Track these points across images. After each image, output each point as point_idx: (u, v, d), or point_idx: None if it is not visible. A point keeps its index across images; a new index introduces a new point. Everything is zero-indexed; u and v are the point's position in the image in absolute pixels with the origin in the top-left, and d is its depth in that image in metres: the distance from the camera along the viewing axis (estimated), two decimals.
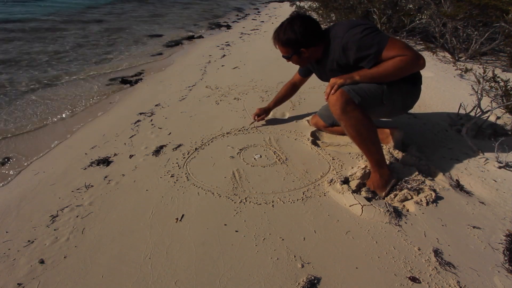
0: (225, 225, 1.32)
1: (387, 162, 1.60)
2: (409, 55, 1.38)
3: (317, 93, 2.92)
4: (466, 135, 1.91)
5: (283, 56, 1.70)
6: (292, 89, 2.27)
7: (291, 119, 2.37)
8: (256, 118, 2.27)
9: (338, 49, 1.51)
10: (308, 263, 1.14)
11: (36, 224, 1.38)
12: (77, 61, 4.67)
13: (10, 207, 1.52)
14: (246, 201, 1.47)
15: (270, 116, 2.43)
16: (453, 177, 1.62)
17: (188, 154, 1.90)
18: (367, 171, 1.55)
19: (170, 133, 2.19)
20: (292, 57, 1.65)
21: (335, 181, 1.56)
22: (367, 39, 1.42)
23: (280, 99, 2.31)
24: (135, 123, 2.41)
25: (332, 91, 1.47)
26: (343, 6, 6.55)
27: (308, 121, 2.26)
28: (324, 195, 1.50)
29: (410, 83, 1.56)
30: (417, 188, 1.48)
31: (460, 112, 2.28)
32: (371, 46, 1.42)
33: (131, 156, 1.91)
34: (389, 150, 1.76)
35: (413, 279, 1.07)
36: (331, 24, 1.62)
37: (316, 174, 1.67)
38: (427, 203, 1.41)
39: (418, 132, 2.11)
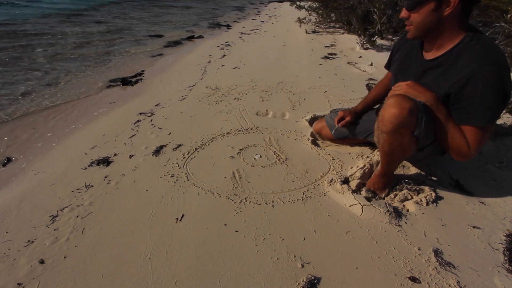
0: (225, 225, 1.32)
1: None
2: (468, 151, 1.20)
3: (317, 93, 2.92)
4: None
5: (408, 0, 1.17)
6: (385, 89, 1.72)
7: (291, 119, 2.37)
8: (340, 124, 1.78)
9: (466, 70, 1.12)
10: (308, 263, 1.14)
11: (36, 224, 1.38)
12: (77, 61, 4.67)
13: (10, 207, 1.52)
14: (246, 201, 1.47)
15: (270, 115, 2.44)
16: (453, 177, 1.62)
17: (188, 154, 1.90)
18: (366, 170, 1.55)
19: (170, 133, 2.20)
20: (426, 4, 1.13)
21: (335, 181, 1.56)
22: (499, 101, 1.11)
23: (372, 102, 1.78)
24: (135, 123, 2.41)
25: (402, 100, 1.15)
26: (343, 6, 6.55)
27: (307, 120, 2.25)
28: (324, 195, 1.50)
29: (442, 151, 1.47)
30: (417, 188, 1.48)
31: None
32: (485, 112, 1.12)
33: (131, 156, 1.91)
34: None
35: (413, 279, 1.07)
36: (471, 26, 1.20)
37: (316, 174, 1.67)
38: (427, 203, 1.41)
39: None
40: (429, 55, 1.28)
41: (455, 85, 1.16)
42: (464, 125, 1.20)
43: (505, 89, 1.10)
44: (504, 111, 2.15)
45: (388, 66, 1.67)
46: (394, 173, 1.55)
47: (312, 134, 2.07)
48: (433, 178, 1.60)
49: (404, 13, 1.22)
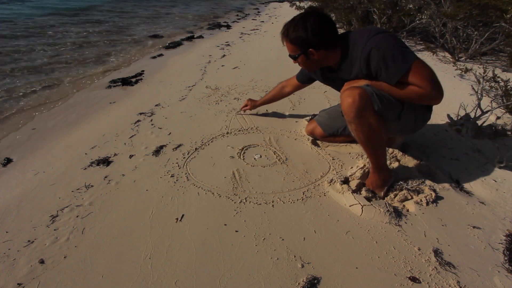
0: (225, 225, 1.32)
1: (388, 162, 1.60)
2: (426, 91, 1.27)
3: (317, 93, 2.92)
4: (466, 135, 1.91)
5: (289, 56, 1.55)
6: (280, 92, 2.17)
7: (291, 119, 2.37)
8: (243, 109, 2.40)
9: (360, 58, 1.36)
10: (308, 263, 1.14)
11: (36, 224, 1.38)
12: (77, 61, 4.67)
13: (10, 207, 1.52)
14: (246, 201, 1.47)
15: (270, 116, 2.43)
16: (453, 177, 1.62)
17: (188, 154, 1.90)
18: (366, 170, 1.55)
19: (170, 133, 2.20)
20: (299, 57, 1.49)
21: (335, 181, 1.55)
22: (395, 51, 1.27)
23: (268, 100, 2.30)
24: (135, 123, 2.41)
25: (351, 90, 1.33)
26: (343, 6, 6.56)
27: (307, 120, 2.25)
28: (324, 195, 1.50)
29: (426, 107, 1.50)
30: (417, 188, 1.48)
31: (460, 112, 2.28)
32: (396, 61, 1.28)
33: (131, 156, 1.91)
34: (388, 150, 1.76)
35: (413, 279, 1.06)
36: (347, 30, 1.48)
37: (316, 174, 1.67)
38: (427, 203, 1.41)
39: (418, 132, 2.11)
40: (338, 72, 1.54)
41: (363, 69, 1.38)
42: (399, 80, 1.31)
43: (392, 36, 1.32)
44: (503, 109, 2.15)
45: (301, 79, 1.99)
46: (394, 173, 1.56)
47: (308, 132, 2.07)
48: (433, 178, 1.59)
49: (294, 61, 1.55)
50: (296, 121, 2.32)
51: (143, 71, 4.20)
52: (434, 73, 1.30)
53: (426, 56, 4.09)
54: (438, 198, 1.45)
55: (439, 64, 3.76)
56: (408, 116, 1.46)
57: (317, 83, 1.95)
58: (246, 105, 2.36)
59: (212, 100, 2.81)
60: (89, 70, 4.26)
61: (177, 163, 1.81)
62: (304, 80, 1.99)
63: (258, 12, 13.13)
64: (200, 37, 6.80)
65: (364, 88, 1.35)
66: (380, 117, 1.37)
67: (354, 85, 1.40)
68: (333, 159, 1.80)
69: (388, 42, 1.29)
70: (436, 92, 1.28)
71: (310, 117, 2.28)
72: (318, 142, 2.01)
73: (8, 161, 2.05)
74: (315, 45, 1.41)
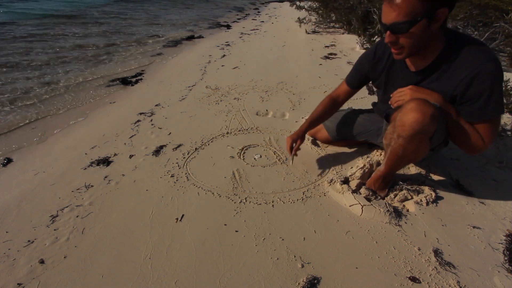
0: (225, 225, 1.32)
1: None
2: (483, 146, 1.22)
3: (317, 93, 2.92)
4: None
5: (395, 25, 1.07)
6: (332, 105, 1.66)
7: (291, 119, 2.37)
8: (293, 151, 1.64)
9: (469, 73, 1.13)
10: (308, 263, 1.14)
11: (36, 224, 1.38)
12: (77, 61, 4.67)
13: (10, 207, 1.52)
14: (246, 201, 1.47)
15: (270, 115, 2.44)
16: (453, 177, 1.62)
17: (188, 154, 1.90)
18: (366, 170, 1.55)
19: (170, 133, 2.20)
20: (418, 24, 1.06)
21: (335, 181, 1.55)
22: (500, 92, 1.14)
23: (317, 119, 1.67)
24: (135, 123, 2.41)
25: (424, 105, 1.13)
26: (343, 6, 6.56)
27: None
28: (324, 195, 1.50)
29: (445, 144, 1.45)
30: (417, 188, 1.48)
31: None
32: (496, 103, 1.14)
33: (131, 156, 1.91)
34: None
35: (413, 279, 1.07)
36: (451, 29, 1.24)
37: (316, 174, 1.67)
38: (427, 203, 1.41)
39: None
40: (416, 67, 1.27)
41: (459, 86, 1.17)
42: (476, 121, 1.21)
43: (502, 80, 1.16)
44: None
45: (352, 82, 1.59)
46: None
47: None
48: (433, 178, 1.60)
49: (390, 37, 1.13)
50: (296, 121, 2.32)
51: (143, 71, 4.20)
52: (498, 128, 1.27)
53: None
54: (438, 198, 1.45)
55: None
56: (435, 151, 1.45)
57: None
58: (291, 146, 1.64)
59: (212, 100, 2.81)
60: (88, 70, 4.25)
61: (177, 163, 1.81)
62: (357, 84, 1.59)
63: (258, 12, 13.13)
64: (200, 37, 6.79)
65: (438, 109, 1.16)
66: (430, 144, 1.26)
67: (427, 98, 1.19)
68: (333, 159, 1.80)
69: (500, 80, 1.14)
70: (485, 149, 1.24)
71: None
72: (318, 142, 2.01)
73: (8, 161, 2.05)
74: (450, 3, 1.06)
